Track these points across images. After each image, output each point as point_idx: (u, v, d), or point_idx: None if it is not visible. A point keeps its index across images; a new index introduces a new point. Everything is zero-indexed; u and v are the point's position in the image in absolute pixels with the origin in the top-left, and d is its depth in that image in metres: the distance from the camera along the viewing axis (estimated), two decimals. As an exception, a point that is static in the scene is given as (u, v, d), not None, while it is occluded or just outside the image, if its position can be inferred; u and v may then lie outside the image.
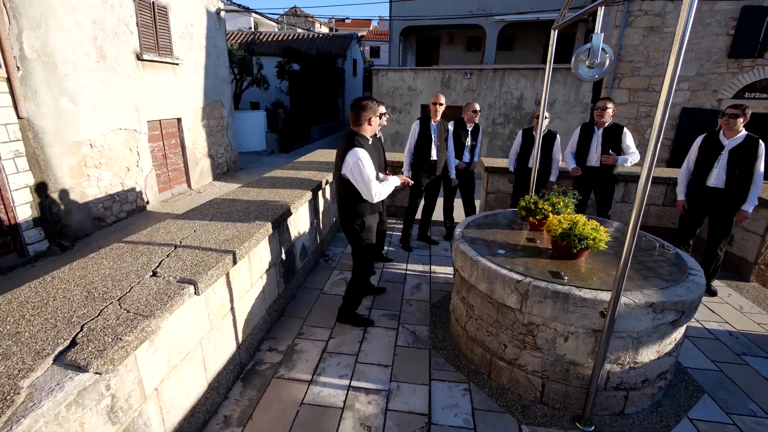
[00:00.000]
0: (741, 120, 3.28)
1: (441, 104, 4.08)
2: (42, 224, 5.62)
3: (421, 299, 3.48)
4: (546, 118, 4.15)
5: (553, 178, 4.37)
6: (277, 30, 25.90)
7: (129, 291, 1.76)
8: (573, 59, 2.53)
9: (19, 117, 5.18)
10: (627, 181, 4.93)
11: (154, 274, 1.93)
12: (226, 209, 3.01)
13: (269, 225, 2.73)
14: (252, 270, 2.61)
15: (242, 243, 2.35)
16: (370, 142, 2.68)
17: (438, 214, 5.27)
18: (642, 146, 9.73)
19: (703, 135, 3.59)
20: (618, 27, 8.72)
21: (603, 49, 2.32)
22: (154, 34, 7.64)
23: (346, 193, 2.64)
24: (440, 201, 4.86)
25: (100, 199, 6.68)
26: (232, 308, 2.37)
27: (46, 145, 5.60)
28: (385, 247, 4.56)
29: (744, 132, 3.34)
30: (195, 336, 2.00)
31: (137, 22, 7.18)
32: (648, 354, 2.12)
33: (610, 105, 3.94)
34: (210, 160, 10.12)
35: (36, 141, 5.45)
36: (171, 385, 1.82)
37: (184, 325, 1.90)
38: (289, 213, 3.19)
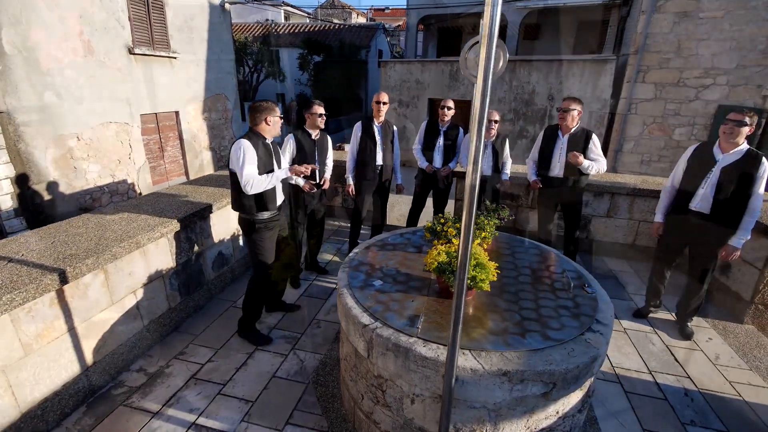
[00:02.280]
0: (746, 130, 2.59)
1: (384, 103, 3.73)
2: (24, 214, 5.85)
3: (333, 320, 3.16)
4: (497, 121, 3.70)
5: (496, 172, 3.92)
6: (308, 21, 25.82)
7: None
8: (462, 53, 2.06)
9: (-2, 111, 5.37)
10: (613, 192, 4.27)
11: (-54, 295, 1.78)
12: (116, 215, 2.85)
13: (144, 237, 2.53)
14: (112, 286, 2.42)
15: (85, 260, 2.17)
16: (267, 141, 2.66)
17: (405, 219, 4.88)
18: (670, 148, 8.61)
19: (695, 145, 2.93)
20: (644, 12, 7.67)
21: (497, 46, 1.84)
22: (148, 28, 7.71)
23: (234, 188, 2.60)
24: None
25: (88, 191, 6.88)
26: (71, 329, 2.19)
27: (28, 138, 5.80)
28: (330, 256, 4.27)
29: (745, 146, 2.64)
30: (-9, 364, 1.83)
31: (129, 17, 7.25)
32: (512, 429, 1.69)
33: (575, 106, 3.33)
34: (211, 153, 10.22)
35: (17, 134, 5.65)
36: (-60, 421, 1.66)
37: (-33, 354, 1.74)
38: (193, 219, 2.98)
